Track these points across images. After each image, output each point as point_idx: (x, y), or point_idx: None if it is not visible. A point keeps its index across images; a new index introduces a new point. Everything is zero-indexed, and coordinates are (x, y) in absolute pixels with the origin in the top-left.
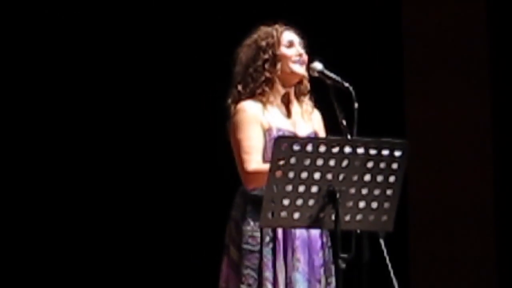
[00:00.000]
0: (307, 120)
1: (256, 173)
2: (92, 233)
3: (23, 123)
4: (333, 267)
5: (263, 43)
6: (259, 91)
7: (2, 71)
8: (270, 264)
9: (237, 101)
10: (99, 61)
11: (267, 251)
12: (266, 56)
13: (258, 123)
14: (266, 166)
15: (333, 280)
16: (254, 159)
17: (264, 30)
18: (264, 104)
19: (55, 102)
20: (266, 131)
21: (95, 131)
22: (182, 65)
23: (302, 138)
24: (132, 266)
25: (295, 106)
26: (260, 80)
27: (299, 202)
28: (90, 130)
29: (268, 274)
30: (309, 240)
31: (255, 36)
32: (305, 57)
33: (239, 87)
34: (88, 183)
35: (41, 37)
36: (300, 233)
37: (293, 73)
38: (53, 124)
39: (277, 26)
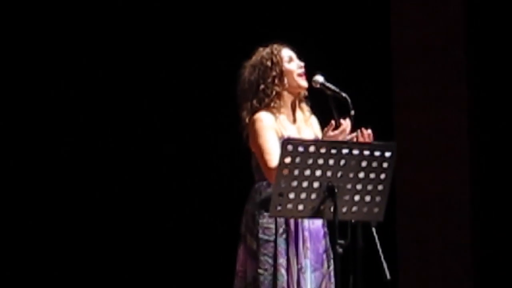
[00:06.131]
0: (308, 126)
1: None
2: (115, 222)
3: (25, 124)
4: (332, 253)
5: (269, 63)
6: (272, 104)
7: (2, 71)
8: (283, 252)
9: (251, 113)
10: (106, 63)
11: (281, 241)
12: (274, 73)
13: (273, 130)
14: None
15: (332, 263)
16: (275, 158)
17: (265, 51)
18: (275, 114)
19: (63, 103)
20: (279, 139)
21: (113, 130)
22: (195, 65)
23: (306, 141)
24: (154, 251)
25: (298, 113)
26: (272, 94)
27: (303, 195)
28: (108, 129)
29: (282, 260)
30: (314, 231)
31: (258, 57)
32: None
33: (255, 102)
34: (110, 177)
35: (42, 37)
36: (308, 225)
37: (299, 86)
38: (64, 126)
39: (275, 45)
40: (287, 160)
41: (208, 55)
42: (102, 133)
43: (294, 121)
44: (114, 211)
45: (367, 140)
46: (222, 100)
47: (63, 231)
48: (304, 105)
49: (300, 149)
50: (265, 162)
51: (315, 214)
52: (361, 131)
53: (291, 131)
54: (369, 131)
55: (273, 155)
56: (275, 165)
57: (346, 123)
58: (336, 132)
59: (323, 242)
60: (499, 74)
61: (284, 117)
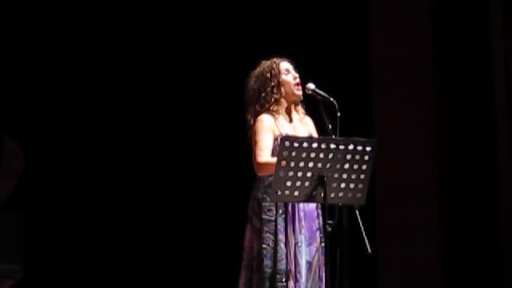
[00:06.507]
0: (303, 125)
1: (265, 164)
2: (133, 215)
3: (25, 125)
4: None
5: (269, 74)
6: (272, 108)
7: (3, 71)
8: (282, 229)
9: (255, 115)
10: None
11: (280, 220)
12: (273, 83)
13: (271, 130)
14: (273, 159)
15: (324, 239)
16: (265, 154)
17: (266, 64)
18: (274, 116)
19: (64, 104)
20: (278, 136)
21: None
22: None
23: (300, 137)
24: (176, 231)
25: (294, 115)
26: (272, 101)
27: (298, 183)
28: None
29: (281, 236)
30: (309, 212)
31: (260, 69)
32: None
33: (257, 106)
34: (122, 175)
35: (42, 37)
36: (303, 207)
37: (294, 94)
38: (64, 127)
39: (274, 59)
40: (285, 153)
41: (221, 65)
42: (108, 128)
43: (291, 121)
44: (127, 202)
45: None
46: (231, 104)
47: (66, 232)
48: (299, 108)
49: (296, 144)
50: (255, 155)
51: (308, 198)
52: None
53: (288, 130)
54: None
55: (263, 152)
56: (263, 160)
57: None
58: None
59: (316, 221)
60: (461, 82)
61: (282, 118)
